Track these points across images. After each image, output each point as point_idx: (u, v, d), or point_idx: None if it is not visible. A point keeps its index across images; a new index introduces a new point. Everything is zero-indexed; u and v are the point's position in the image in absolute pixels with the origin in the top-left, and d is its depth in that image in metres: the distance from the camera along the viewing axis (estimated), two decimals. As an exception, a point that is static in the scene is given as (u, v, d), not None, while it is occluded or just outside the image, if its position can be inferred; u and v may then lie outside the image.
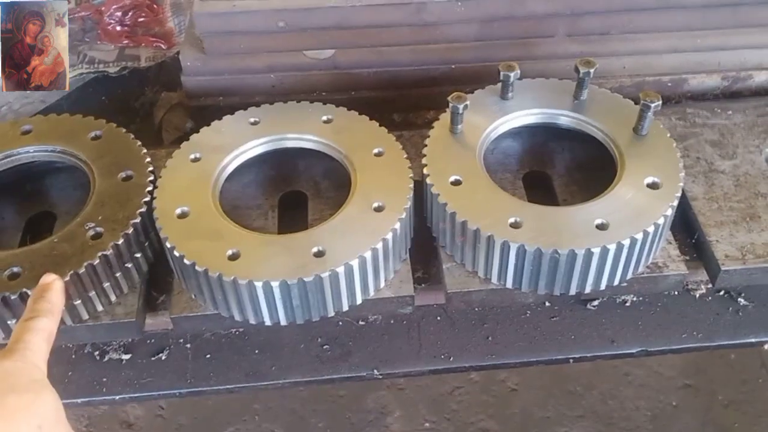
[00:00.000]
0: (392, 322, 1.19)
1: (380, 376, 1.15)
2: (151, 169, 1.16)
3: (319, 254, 1.03)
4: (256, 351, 1.17)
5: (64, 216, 1.25)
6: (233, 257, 1.03)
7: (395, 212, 1.07)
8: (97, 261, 1.04)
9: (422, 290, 1.15)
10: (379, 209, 1.08)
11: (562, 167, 1.29)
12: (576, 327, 1.18)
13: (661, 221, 1.05)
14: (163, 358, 1.17)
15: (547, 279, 1.06)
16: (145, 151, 1.18)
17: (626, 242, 1.02)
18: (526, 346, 1.16)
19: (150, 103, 1.54)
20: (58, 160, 1.22)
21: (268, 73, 1.38)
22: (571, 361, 1.15)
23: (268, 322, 1.06)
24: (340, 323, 1.19)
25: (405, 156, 1.16)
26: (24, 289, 1.00)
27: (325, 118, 1.23)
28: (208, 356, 1.16)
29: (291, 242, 1.05)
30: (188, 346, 1.17)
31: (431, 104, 1.43)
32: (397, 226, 1.06)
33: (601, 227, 1.04)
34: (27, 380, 0.83)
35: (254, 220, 1.22)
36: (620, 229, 1.03)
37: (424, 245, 1.17)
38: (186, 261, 1.02)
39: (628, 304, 1.20)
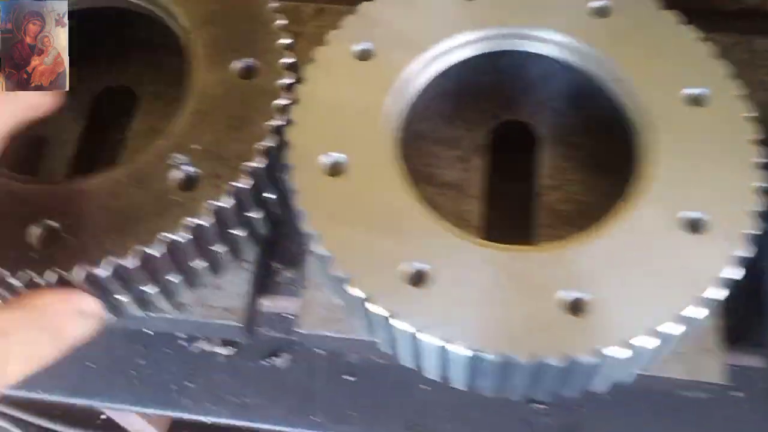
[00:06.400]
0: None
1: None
2: (289, 60, 0.66)
3: (576, 307, 0.55)
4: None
5: (148, 97, 0.81)
6: (416, 280, 0.56)
7: (728, 237, 0.56)
8: (186, 237, 0.60)
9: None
10: (696, 226, 0.57)
11: None
12: None
13: None
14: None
15: None
16: (281, 19, 0.68)
17: None
18: None
19: None
20: (143, 11, 0.74)
21: None
22: None
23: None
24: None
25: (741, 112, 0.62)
26: (58, 270, 0.58)
27: (595, 4, 0.68)
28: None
29: (521, 265, 0.57)
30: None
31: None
32: (729, 263, 0.56)
33: None
34: None
35: (444, 170, 0.73)
36: None
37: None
38: (341, 274, 0.56)
39: None
